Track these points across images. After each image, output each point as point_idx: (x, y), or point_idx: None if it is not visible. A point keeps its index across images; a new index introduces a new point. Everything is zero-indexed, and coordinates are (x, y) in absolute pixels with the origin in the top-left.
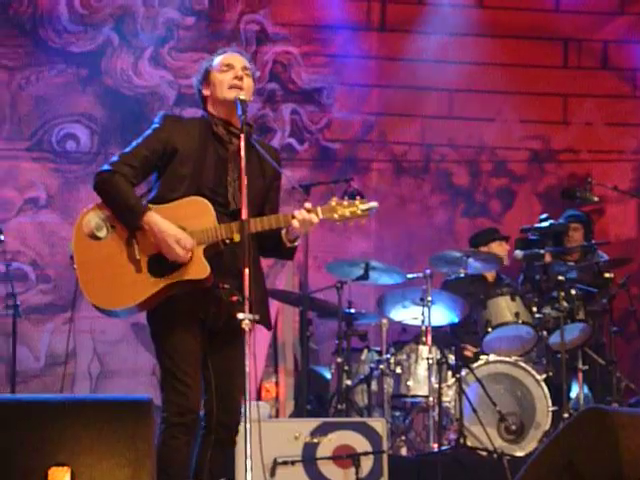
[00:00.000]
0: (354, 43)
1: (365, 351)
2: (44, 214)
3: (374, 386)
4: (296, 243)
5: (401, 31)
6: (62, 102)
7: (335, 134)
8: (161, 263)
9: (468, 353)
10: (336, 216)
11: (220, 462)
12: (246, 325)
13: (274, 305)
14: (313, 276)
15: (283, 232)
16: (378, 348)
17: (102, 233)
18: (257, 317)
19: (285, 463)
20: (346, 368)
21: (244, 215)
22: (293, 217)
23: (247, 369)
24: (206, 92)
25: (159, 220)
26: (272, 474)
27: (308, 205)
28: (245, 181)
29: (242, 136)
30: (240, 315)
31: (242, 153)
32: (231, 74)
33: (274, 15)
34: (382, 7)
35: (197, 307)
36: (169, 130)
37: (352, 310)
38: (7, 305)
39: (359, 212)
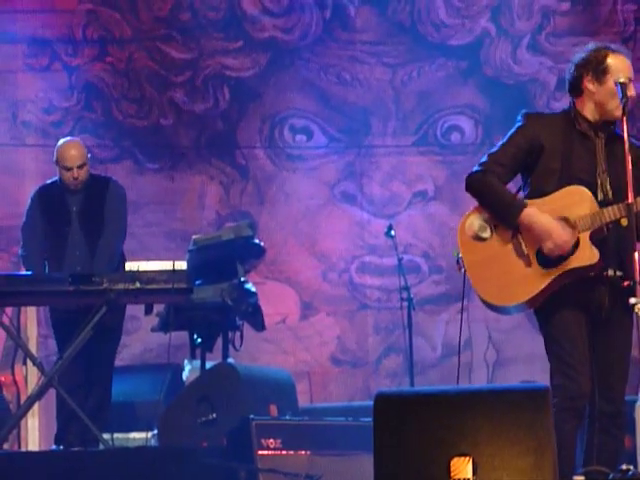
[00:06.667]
0: None
1: None
2: (433, 206)
3: None
4: None
5: None
6: (444, 95)
7: None
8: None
9: None
10: None
11: (608, 450)
12: (639, 309)
13: None
14: None
15: None
16: None
17: (486, 234)
18: None
19: None
20: None
21: (630, 198)
22: None
23: None
24: (590, 86)
25: (538, 214)
26: None
27: None
28: (629, 165)
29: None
30: (632, 300)
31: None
32: (618, 101)
33: None
34: None
35: (582, 295)
36: (533, 127)
37: None
38: (402, 298)
39: None
